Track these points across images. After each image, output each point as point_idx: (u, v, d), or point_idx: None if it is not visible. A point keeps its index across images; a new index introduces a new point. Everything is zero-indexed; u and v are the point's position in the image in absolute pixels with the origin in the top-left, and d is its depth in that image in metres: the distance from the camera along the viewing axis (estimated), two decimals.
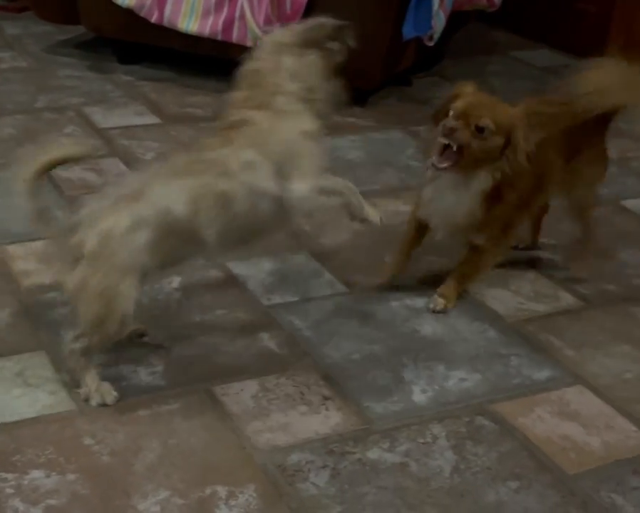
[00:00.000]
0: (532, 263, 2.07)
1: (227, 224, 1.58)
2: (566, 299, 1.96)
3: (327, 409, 1.56)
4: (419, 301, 1.89)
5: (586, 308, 1.93)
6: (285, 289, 1.91)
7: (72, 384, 1.59)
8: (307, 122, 1.64)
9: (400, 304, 1.88)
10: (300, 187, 1.59)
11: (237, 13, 2.84)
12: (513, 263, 2.06)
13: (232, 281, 1.93)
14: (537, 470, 1.46)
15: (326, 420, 1.54)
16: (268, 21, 2.79)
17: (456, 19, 3.06)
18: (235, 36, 2.85)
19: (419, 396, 1.62)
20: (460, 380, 1.67)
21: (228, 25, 2.86)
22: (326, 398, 1.59)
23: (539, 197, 1.95)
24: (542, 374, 1.71)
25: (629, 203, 2.39)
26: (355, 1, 2.72)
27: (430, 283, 1.92)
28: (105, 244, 1.55)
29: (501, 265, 2.04)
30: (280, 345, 1.73)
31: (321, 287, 1.93)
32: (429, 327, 1.82)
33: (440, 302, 1.88)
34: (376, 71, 2.87)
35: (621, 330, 1.86)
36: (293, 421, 1.53)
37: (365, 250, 2.06)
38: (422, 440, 1.51)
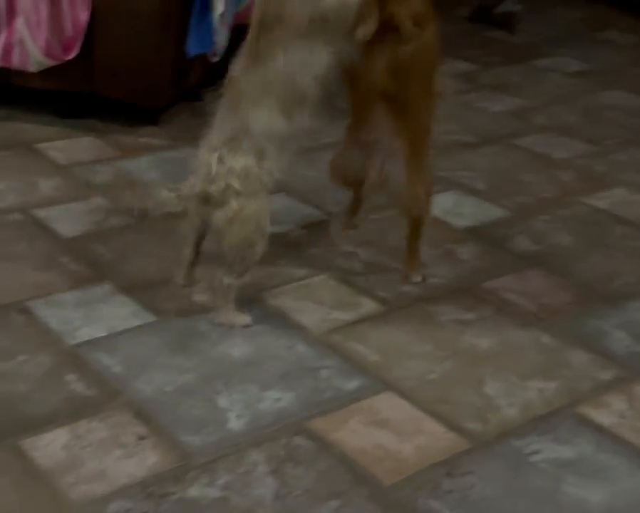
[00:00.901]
0: (331, 272, 2.06)
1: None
2: (368, 305, 1.95)
3: (143, 449, 1.48)
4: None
5: (387, 312, 1.93)
6: (91, 325, 1.81)
7: None
8: None
9: (210, 328, 1.83)
10: None
11: (16, 38, 2.69)
12: (311, 273, 2.05)
13: (33, 322, 1.81)
14: (355, 485, 1.44)
15: (142, 462, 1.46)
16: (49, 45, 2.66)
17: (241, 32, 3.02)
18: (16, 62, 2.71)
19: (235, 423, 1.56)
20: (274, 400, 1.63)
21: (7, 50, 2.71)
22: (141, 438, 1.51)
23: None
24: (352, 384, 1.69)
25: None
26: (136, 20, 2.64)
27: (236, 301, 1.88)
28: (245, 180, 1.81)
29: (301, 277, 2.03)
30: (89, 386, 1.63)
31: (128, 318, 1.85)
32: (239, 349, 1.77)
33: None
34: (165, 89, 2.79)
35: (422, 330, 1.87)
36: (109, 467, 1.44)
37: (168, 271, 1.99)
38: (241, 470, 1.46)
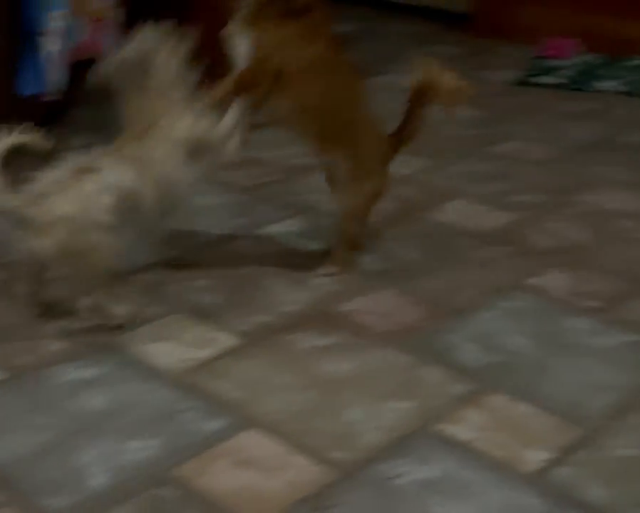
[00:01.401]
0: (188, 309, 2.01)
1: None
2: (227, 340, 1.91)
3: None
4: (84, 372, 1.77)
5: (246, 345, 1.89)
6: None
7: None
8: None
9: (66, 380, 1.74)
10: None
11: None
12: (168, 312, 1.99)
13: None
14: None
15: None
16: None
17: (80, 68, 2.94)
18: None
19: (97, 480, 1.49)
20: (136, 450, 1.56)
21: None
22: (1, 506, 1.43)
23: None
24: (216, 424, 1.64)
25: (268, 230, 2.40)
26: None
27: (92, 347, 1.81)
28: (75, 207, 1.80)
29: (158, 316, 1.97)
30: None
31: None
32: (98, 400, 1.69)
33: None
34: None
35: (282, 361, 1.84)
36: None
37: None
38: None
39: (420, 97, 2.24)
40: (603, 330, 1.97)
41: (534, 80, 3.66)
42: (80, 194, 1.83)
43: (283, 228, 2.41)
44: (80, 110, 3.13)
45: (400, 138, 2.25)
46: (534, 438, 1.63)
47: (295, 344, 1.90)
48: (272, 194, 2.64)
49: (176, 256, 2.24)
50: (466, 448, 1.59)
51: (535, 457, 1.58)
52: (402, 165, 2.84)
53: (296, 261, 2.25)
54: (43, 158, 1.85)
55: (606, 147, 3.03)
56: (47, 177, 1.85)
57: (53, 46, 2.63)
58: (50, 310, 1.92)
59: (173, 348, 1.88)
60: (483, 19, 4.30)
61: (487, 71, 3.82)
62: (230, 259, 2.24)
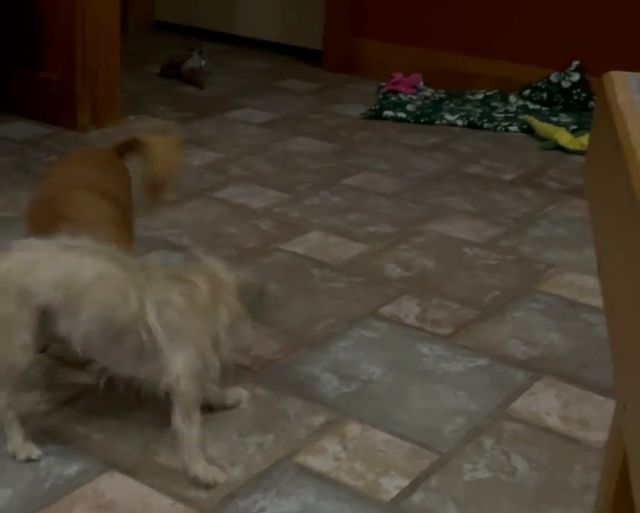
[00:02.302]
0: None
1: None
2: (84, 378, 1.85)
3: None
4: None
5: (105, 384, 1.84)
6: None
7: None
8: None
9: None
10: None
11: None
12: None
13: None
14: None
15: None
16: None
17: None
18: None
19: None
20: None
21: None
22: None
23: None
24: (73, 469, 1.58)
25: None
26: None
27: None
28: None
29: None
30: None
31: None
32: None
33: None
34: None
35: (141, 400, 1.79)
36: None
37: None
38: None
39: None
40: (452, 356, 2.01)
41: (382, 114, 3.73)
42: (20, 259, 1.54)
43: None
44: None
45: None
46: (389, 465, 1.64)
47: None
48: None
49: None
50: (324, 479, 1.59)
51: (391, 485, 1.59)
52: (257, 198, 2.86)
53: None
54: None
55: (451, 178, 3.12)
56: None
57: None
58: None
59: (30, 391, 1.80)
60: (333, 54, 4.36)
61: (338, 105, 3.87)
62: None
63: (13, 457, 1.58)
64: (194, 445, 1.55)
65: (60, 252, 1.54)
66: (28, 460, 1.58)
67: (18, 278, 1.51)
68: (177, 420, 1.54)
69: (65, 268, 1.52)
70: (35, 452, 1.60)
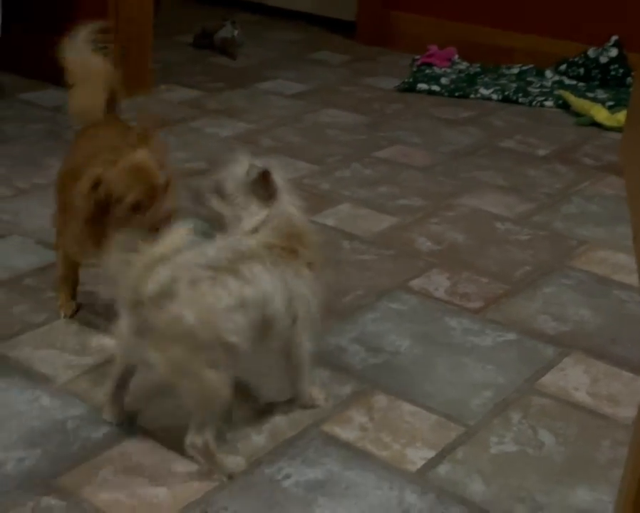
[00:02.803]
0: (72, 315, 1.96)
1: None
2: (112, 346, 1.86)
3: None
4: None
5: None
6: None
7: None
8: None
9: None
10: None
11: None
12: (51, 318, 1.93)
13: None
14: None
15: None
16: None
17: None
18: None
19: None
20: (18, 461, 1.51)
21: None
22: None
23: None
24: (101, 432, 1.60)
25: None
26: None
27: None
28: (206, 321, 1.42)
29: (41, 323, 1.92)
30: None
31: None
32: None
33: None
34: None
35: None
36: None
37: None
38: None
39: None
40: (481, 329, 2.00)
41: (415, 87, 3.71)
42: (211, 304, 1.44)
43: None
44: None
45: None
46: (415, 437, 1.64)
47: None
48: None
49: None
50: (350, 448, 1.60)
51: (417, 456, 1.59)
52: (287, 170, 2.85)
53: None
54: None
55: (484, 152, 3.10)
56: (177, 271, 1.44)
57: None
58: None
59: (58, 355, 1.82)
60: (367, 26, 4.34)
61: (370, 78, 3.85)
62: None
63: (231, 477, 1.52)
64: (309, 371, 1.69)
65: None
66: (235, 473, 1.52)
67: None
68: (303, 347, 1.64)
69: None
70: (241, 461, 1.55)
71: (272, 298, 1.53)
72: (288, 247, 1.58)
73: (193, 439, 1.49)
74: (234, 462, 1.54)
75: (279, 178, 1.64)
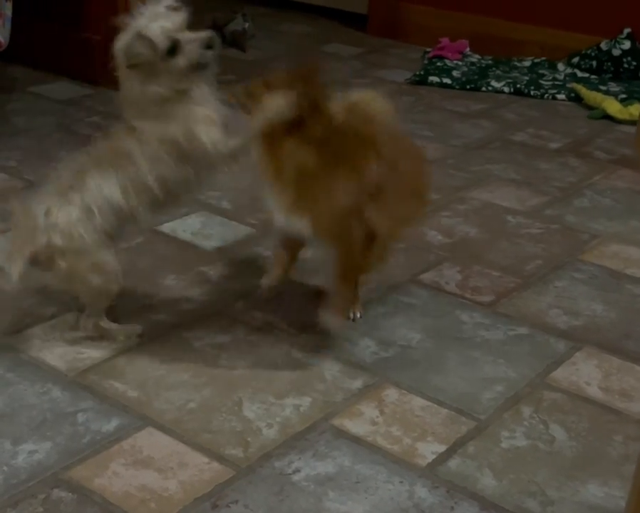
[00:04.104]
0: (81, 307, 1.96)
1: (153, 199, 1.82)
2: (122, 337, 1.87)
3: None
4: None
5: (143, 344, 1.86)
6: None
7: None
8: None
9: None
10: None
11: None
12: (61, 311, 1.93)
13: None
14: None
15: None
16: None
17: None
18: None
19: None
20: (29, 453, 1.52)
21: None
22: None
23: None
24: (111, 425, 1.61)
25: (165, 227, 2.36)
26: None
27: None
28: (69, 237, 1.75)
29: (51, 316, 1.92)
30: None
31: None
32: None
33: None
34: None
35: (179, 359, 1.81)
36: None
37: None
38: None
39: None
40: (492, 323, 2.00)
41: (427, 79, 3.70)
42: (67, 220, 1.75)
43: (180, 226, 2.38)
44: None
45: None
46: (426, 431, 1.64)
47: (192, 341, 1.88)
48: None
49: None
50: (361, 442, 1.60)
51: (428, 450, 1.59)
52: None
53: (193, 259, 2.22)
54: None
55: (496, 145, 3.09)
56: (37, 207, 1.78)
57: None
58: None
59: (69, 347, 1.83)
60: (379, 19, 4.33)
61: (382, 70, 3.85)
62: (127, 257, 2.19)
63: (126, 337, 1.87)
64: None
65: None
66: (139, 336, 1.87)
67: None
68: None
69: None
70: (137, 328, 1.89)
71: (110, 193, 1.78)
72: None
73: (84, 323, 1.86)
74: (131, 328, 1.88)
75: None
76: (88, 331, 1.86)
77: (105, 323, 1.87)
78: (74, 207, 1.76)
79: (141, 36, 1.72)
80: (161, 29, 1.73)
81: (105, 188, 1.78)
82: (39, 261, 1.76)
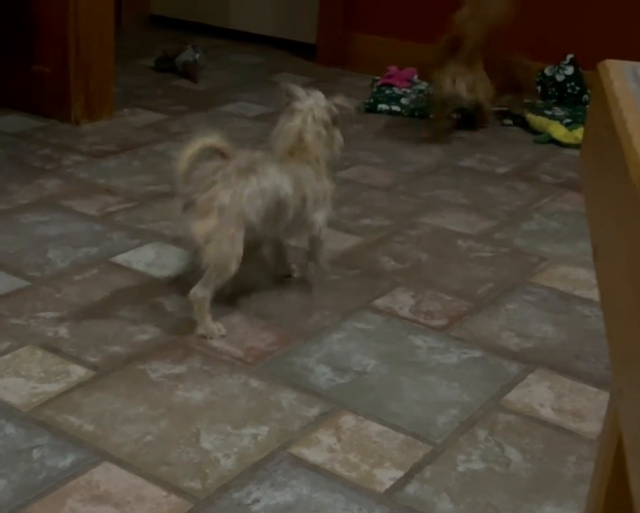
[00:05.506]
0: (36, 341, 1.92)
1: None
2: (77, 372, 1.84)
3: None
4: None
5: (98, 377, 1.83)
6: None
7: None
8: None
9: None
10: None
11: None
12: (15, 345, 1.90)
13: None
14: None
15: None
16: None
17: None
18: None
19: None
20: None
21: None
22: None
23: None
24: (67, 460, 1.57)
25: (119, 259, 2.34)
26: None
27: None
28: (234, 202, 1.94)
29: (4, 351, 1.88)
30: None
31: None
32: None
33: None
34: None
35: (135, 391, 1.79)
36: None
37: None
38: None
39: None
40: (446, 347, 2.01)
41: (376, 107, 3.72)
42: (241, 190, 1.95)
43: (134, 256, 2.36)
44: None
45: None
46: (384, 457, 1.63)
47: (148, 373, 1.85)
48: (123, 222, 2.57)
49: (24, 287, 2.15)
50: (319, 470, 1.59)
51: (385, 476, 1.58)
52: None
53: (148, 290, 2.19)
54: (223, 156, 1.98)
55: (445, 171, 3.11)
56: (216, 170, 1.96)
57: None
58: None
59: (23, 382, 1.79)
60: (327, 48, 4.35)
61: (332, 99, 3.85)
62: (81, 289, 2.16)
63: (209, 337, 1.98)
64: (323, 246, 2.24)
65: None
66: (222, 336, 1.98)
67: None
68: (316, 224, 2.17)
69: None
70: (222, 329, 2.00)
71: (282, 184, 2.03)
72: (293, 151, 2.13)
73: (197, 290, 1.98)
74: (215, 327, 1.98)
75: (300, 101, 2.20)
76: (195, 301, 1.98)
77: (208, 305, 1.98)
78: (250, 184, 1.97)
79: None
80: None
81: (278, 180, 2.03)
82: (195, 208, 1.93)
